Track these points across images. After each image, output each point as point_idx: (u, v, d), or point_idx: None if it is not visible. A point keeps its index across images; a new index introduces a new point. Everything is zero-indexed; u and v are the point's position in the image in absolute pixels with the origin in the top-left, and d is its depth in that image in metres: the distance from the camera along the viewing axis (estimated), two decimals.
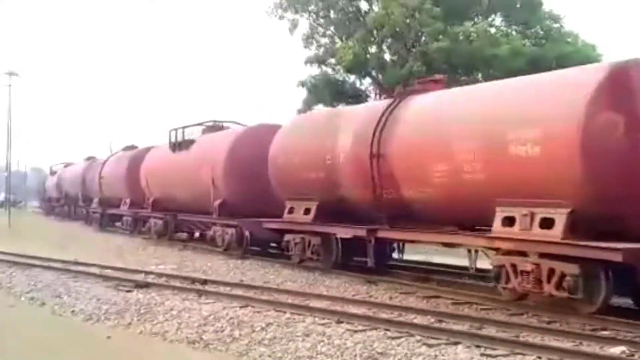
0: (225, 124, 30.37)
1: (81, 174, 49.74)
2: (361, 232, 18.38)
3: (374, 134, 17.64)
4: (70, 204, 55.69)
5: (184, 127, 30.90)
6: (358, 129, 18.64)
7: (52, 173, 66.02)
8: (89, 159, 52.39)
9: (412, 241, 18.54)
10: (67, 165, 60.75)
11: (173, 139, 31.17)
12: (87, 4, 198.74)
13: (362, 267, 19.58)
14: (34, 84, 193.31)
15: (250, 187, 24.41)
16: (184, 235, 32.20)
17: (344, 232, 19.53)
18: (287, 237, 21.35)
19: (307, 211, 20.52)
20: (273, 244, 24.28)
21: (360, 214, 18.78)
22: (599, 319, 12.27)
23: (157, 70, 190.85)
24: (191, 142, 29.98)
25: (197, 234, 31.27)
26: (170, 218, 31.51)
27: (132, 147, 42.10)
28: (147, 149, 36.38)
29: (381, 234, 18.01)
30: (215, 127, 30.20)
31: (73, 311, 14.51)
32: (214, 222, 26.73)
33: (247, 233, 24.20)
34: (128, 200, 37.88)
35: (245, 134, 26.54)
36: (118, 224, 40.94)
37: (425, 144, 16.18)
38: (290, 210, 21.22)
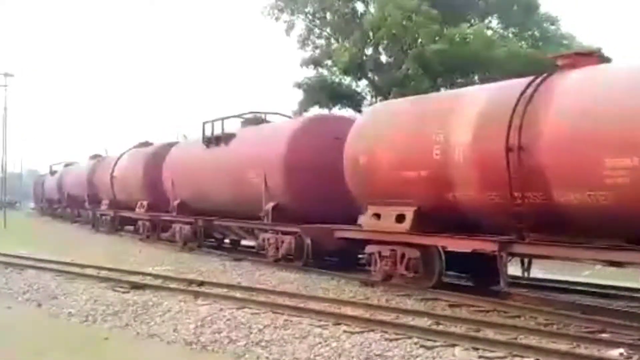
0: (268, 116, 27.05)
1: (87, 174, 45.91)
2: (490, 245, 14.50)
3: (510, 121, 13.82)
4: (73, 206, 52.19)
5: (222, 119, 26.83)
6: (484, 114, 14.81)
7: (52, 173, 62.54)
8: (94, 157, 48.52)
9: (567, 258, 14.79)
10: (68, 164, 57.76)
11: (208, 133, 27.18)
12: (85, 4, 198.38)
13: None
14: (30, 84, 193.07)
15: (313, 189, 21.11)
16: (215, 241, 29.15)
17: (458, 244, 15.67)
18: (370, 248, 17.80)
19: (400, 218, 16.80)
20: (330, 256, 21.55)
21: (480, 222, 15.28)
22: (597, 322, 12.27)
23: (153, 71, 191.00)
24: (231, 136, 25.97)
25: (226, 241, 29.07)
26: (203, 223, 27.62)
27: (147, 144, 38.54)
28: (170, 145, 33.62)
29: (521, 249, 14.29)
30: (256, 120, 26.68)
31: (70, 312, 14.50)
32: (265, 228, 22.90)
33: (308, 241, 20.63)
34: (145, 203, 34.22)
35: (307, 127, 22.96)
36: (130, 227, 38.26)
37: (597, 134, 12.48)
38: (374, 217, 17.66)
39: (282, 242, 21.68)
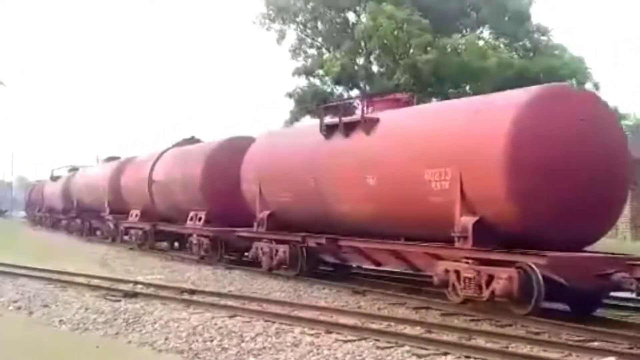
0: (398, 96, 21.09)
1: (109, 178, 37.85)
2: None
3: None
4: (85, 216, 44.37)
5: (347, 101, 21.68)
6: None
7: (54, 179, 54.32)
8: (111, 159, 41.89)
9: None
10: (74, 169, 50.94)
11: (329, 118, 20.62)
12: (73, 16, 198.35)
13: None
14: (19, 93, 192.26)
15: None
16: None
17: None
18: None
19: None
20: None
21: None
22: (588, 331, 12.30)
23: (143, 80, 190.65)
24: (373, 121, 18.00)
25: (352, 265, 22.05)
26: (329, 245, 19.31)
27: (194, 140, 32.12)
28: (248, 139, 25.21)
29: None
30: (402, 101, 19.90)
31: (61, 320, 14.46)
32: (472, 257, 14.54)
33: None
34: (203, 214, 26.52)
35: (541, 103, 14.45)
36: (165, 243, 32.93)
37: None
38: None
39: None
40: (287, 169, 21.05)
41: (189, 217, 27.25)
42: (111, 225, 37.91)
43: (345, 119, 18.94)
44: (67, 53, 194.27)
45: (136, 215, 33.42)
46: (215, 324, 13.48)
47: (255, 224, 22.29)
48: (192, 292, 17.92)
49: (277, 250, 21.02)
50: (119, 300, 16.51)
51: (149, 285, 19.35)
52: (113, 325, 13.80)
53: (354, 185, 17.80)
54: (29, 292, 18.08)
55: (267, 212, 21.86)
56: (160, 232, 31.76)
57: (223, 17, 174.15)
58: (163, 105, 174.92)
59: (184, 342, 12.14)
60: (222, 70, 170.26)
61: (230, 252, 25.84)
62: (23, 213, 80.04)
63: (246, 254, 23.00)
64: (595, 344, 11.64)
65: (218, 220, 25.63)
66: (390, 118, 17.98)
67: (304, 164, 20.14)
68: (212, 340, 12.14)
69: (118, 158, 40.69)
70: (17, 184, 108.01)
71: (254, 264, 22.80)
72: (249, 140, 24.74)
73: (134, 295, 17.27)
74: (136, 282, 19.73)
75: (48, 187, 56.65)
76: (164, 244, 32.99)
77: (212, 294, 17.72)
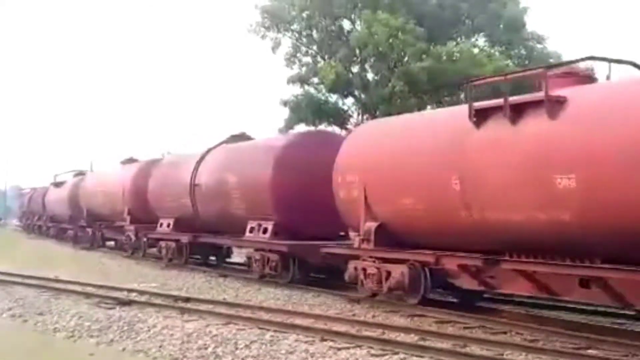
0: None
1: (129, 183, 33.48)
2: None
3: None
4: (96, 226, 39.45)
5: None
6: None
7: (58, 184, 49.90)
8: (130, 160, 37.21)
9: None
10: (79, 173, 46.97)
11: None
12: (64, 21, 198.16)
13: None
14: (10, 100, 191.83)
15: None
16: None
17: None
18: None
19: None
20: None
21: None
22: (584, 338, 12.29)
23: (137, 85, 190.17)
24: (560, 101, 13.20)
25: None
26: (485, 267, 14.68)
27: (244, 137, 27.42)
28: (329, 134, 23.81)
29: None
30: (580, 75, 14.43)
31: (55, 328, 14.43)
32: None
33: None
34: (269, 225, 21.70)
35: None
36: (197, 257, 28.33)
37: None
38: None
39: None
40: (412, 167, 16.09)
41: (248, 229, 22.55)
42: (132, 237, 32.92)
43: (513, 99, 14.00)
44: (56, 60, 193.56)
45: (168, 225, 28.67)
46: (210, 332, 13.46)
47: (356, 239, 17.82)
48: (187, 299, 17.90)
49: (388, 272, 16.57)
50: (113, 308, 16.49)
51: (143, 292, 19.33)
52: (107, 332, 13.77)
53: (530, 187, 13.19)
54: (23, 299, 18.06)
55: (374, 224, 16.99)
56: (201, 245, 27.09)
57: (219, 24, 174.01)
58: (157, 111, 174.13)
59: (178, 349, 12.12)
60: (217, 78, 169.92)
61: (307, 272, 21.49)
62: (16, 222, 79.09)
63: (345, 277, 18.14)
64: (590, 351, 11.64)
65: (288, 233, 21.34)
66: (584, 97, 13.31)
67: (441, 160, 15.21)
68: (206, 348, 12.12)
69: (136, 160, 36.56)
70: (11, 191, 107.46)
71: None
72: (331, 136, 22.54)
73: (128, 303, 17.26)
74: (130, 290, 19.69)
75: (51, 193, 51.79)
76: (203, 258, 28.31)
77: (206, 301, 17.70)
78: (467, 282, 15.59)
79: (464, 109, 15.02)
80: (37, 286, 20.61)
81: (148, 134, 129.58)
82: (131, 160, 37.02)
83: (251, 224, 22.48)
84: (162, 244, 28.74)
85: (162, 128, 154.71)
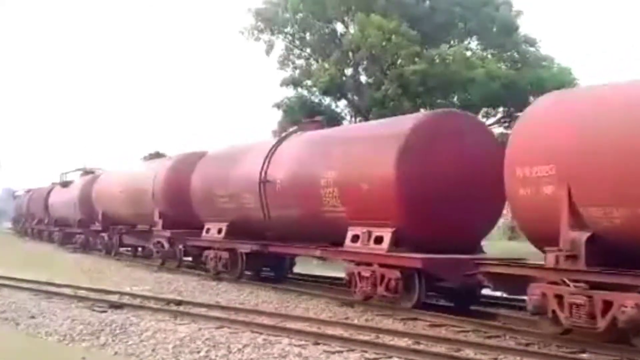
0: None
1: (162, 181, 28.73)
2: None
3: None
4: (114, 231, 34.84)
5: None
6: None
7: (65, 184, 45.72)
8: (154, 156, 33.53)
9: None
10: (88, 172, 43.22)
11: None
12: (56, 23, 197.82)
13: None
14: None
15: None
16: None
17: None
18: None
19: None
20: None
21: None
22: (577, 342, 12.26)
23: (130, 88, 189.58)
24: None
25: None
26: None
27: (318, 123, 23.23)
28: (463, 115, 19.43)
29: None
30: None
31: (47, 331, 14.37)
32: None
33: None
34: (386, 234, 16.61)
35: None
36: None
37: None
38: None
39: None
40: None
41: (349, 237, 17.65)
42: (165, 244, 28.15)
43: None
44: (49, 62, 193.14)
45: (219, 231, 23.75)
46: (203, 335, 13.41)
47: (549, 255, 12.56)
48: (179, 303, 17.84)
49: (606, 304, 11.47)
50: (106, 311, 16.44)
51: (136, 296, 19.28)
52: (100, 336, 13.71)
53: None
54: (15, 303, 17.99)
55: (584, 234, 12.07)
56: (266, 255, 22.38)
57: (214, 26, 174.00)
58: (151, 111, 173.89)
59: (171, 353, 12.07)
60: (211, 79, 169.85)
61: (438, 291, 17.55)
62: (9, 224, 77.84)
63: (529, 308, 13.06)
64: (584, 355, 11.64)
65: (412, 243, 16.27)
66: None
67: None
68: (199, 352, 12.08)
69: (163, 155, 32.82)
70: (3, 194, 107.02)
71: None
72: (467, 117, 18.68)
73: (120, 306, 17.22)
74: (123, 293, 19.64)
75: (56, 194, 47.43)
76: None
77: (199, 305, 17.64)
78: None
79: None
80: (29, 289, 20.54)
81: (145, 135, 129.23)
82: (157, 155, 33.37)
83: (354, 230, 17.52)
84: (210, 253, 23.87)
85: (157, 128, 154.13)
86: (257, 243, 21.92)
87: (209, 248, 24.03)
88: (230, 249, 22.90)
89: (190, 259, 27.62)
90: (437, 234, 15.88)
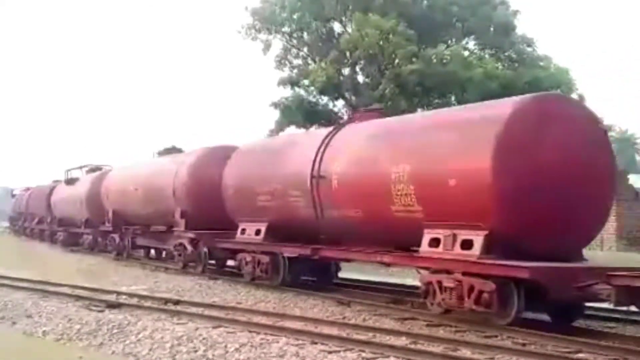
0: None
1: (185, 177, 26.41)
2: None
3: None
4: (123, 232, 32.68)
5: None
6: None
7: (70, 181, 42.91)
8: (170, 151, 31.00)
9: None
10: (94, 169, 41.30)
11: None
12: (55, 23, 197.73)
13: None
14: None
15: None
16: None
17: None
18: None
19: None
20: None
21: None
22: (574, 342, 12.28)
23: (125, 90, 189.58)
24: None
25: None
26: None
27: (375, 112, 20.13)
28: (568, 99, 18.82)
29: None
30: None
31: (44, 331, 14.37)
32: None
33: None
34: (477, 237, 13.93)
35: None
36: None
37: None
38: None
39: None
40: None
41: (426, 240, 14.99)
42: (187, 246, 25.69)
43: None
44: (47, 63, 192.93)
45: (257, 232, 21.21)
46: (200, 335, 13.41)
47: None
48: (177, 302, 17.84)
49: None
50: (103, 311, 16.43)
51: (133, 295, 19.27)
52: (97, 335, 13.72)
53: None
54: (11, 302, 17.98)
55: None
56: (315, 260, 19.69)
57: (212, 25, 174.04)
58: (147, 111, 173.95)
59: (168, 352, 12.08)
60: (209, 79, 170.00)
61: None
62: (5, 224, 77.09)
63: None
64: (581, 355, 11.65)
65: (508, 248, 13.59)
66: None
67: None
68: (196, 351, 12.08)
69: (179, 150, 30.65)
70: (1, 193, 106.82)
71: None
72: (571, 102, 17.40)
73: (117, 305, 17.21)
74: (120, 293, 19.63)
75: (60, 192, 44.71)
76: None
77: (196, 304, 17.63)
78: None
79: None
80: (26, 288, 20.53)
81: (144, 134, 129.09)
82: (174, 150, 30.82)
83: (433, 233, 14.89)
84: (246, 257, 21.53)
85: (156, 128, 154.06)
86: (305, 246, 19.29)
87: (242, 251, 21.78)
88: (270, 253, 20.57)
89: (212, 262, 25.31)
90: (538, 238, 13.59)
